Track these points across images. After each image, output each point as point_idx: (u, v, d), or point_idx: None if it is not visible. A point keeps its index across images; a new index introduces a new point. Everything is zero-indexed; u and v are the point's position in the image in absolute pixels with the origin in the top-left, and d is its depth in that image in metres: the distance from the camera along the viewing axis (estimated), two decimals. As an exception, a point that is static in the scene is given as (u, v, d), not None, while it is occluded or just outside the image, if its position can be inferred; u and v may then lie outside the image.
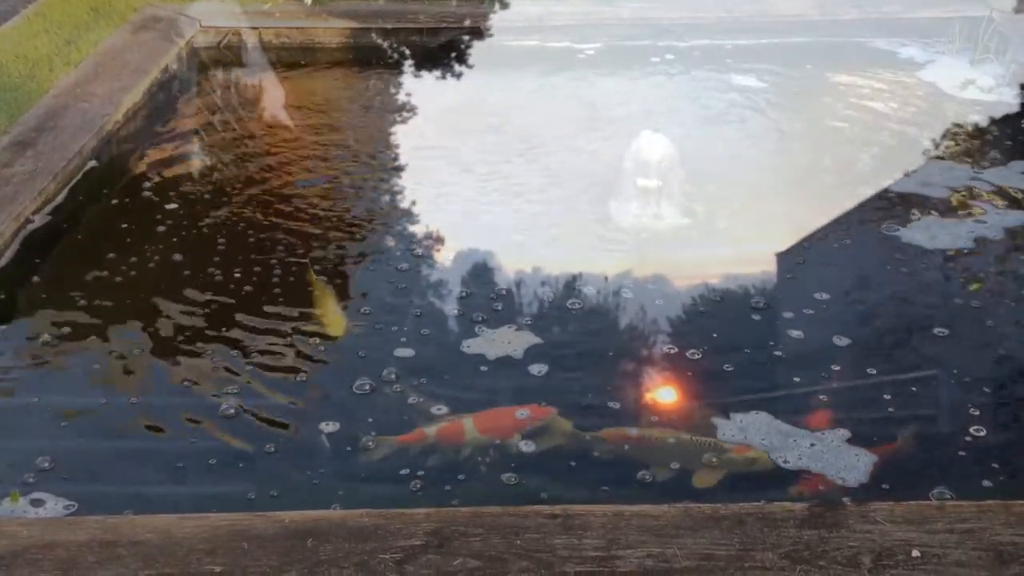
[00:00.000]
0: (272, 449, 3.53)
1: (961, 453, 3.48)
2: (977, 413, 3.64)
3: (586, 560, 2.70)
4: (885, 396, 3.75)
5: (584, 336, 4.19)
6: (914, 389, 3.80)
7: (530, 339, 4.08)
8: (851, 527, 2.80)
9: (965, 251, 4.70)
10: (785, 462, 3.44)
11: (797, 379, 3.87)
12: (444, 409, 3.70)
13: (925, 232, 4.84)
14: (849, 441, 3.51)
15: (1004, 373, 3.93)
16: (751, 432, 3.56)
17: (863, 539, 2.76)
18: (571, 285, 4.48)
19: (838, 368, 3.91)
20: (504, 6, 7.53)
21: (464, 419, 3.63)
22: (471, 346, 4.06)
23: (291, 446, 3.56)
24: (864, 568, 2.66)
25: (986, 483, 3.35)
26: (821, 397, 3.75)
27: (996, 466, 3.42)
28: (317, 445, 3.56)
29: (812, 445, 3.50)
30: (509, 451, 3.53)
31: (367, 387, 3.79)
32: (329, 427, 3.61)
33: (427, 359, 3.99)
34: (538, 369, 3.92)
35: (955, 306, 4.32)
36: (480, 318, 4.22)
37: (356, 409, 3.72)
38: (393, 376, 3.85)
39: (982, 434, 3.54)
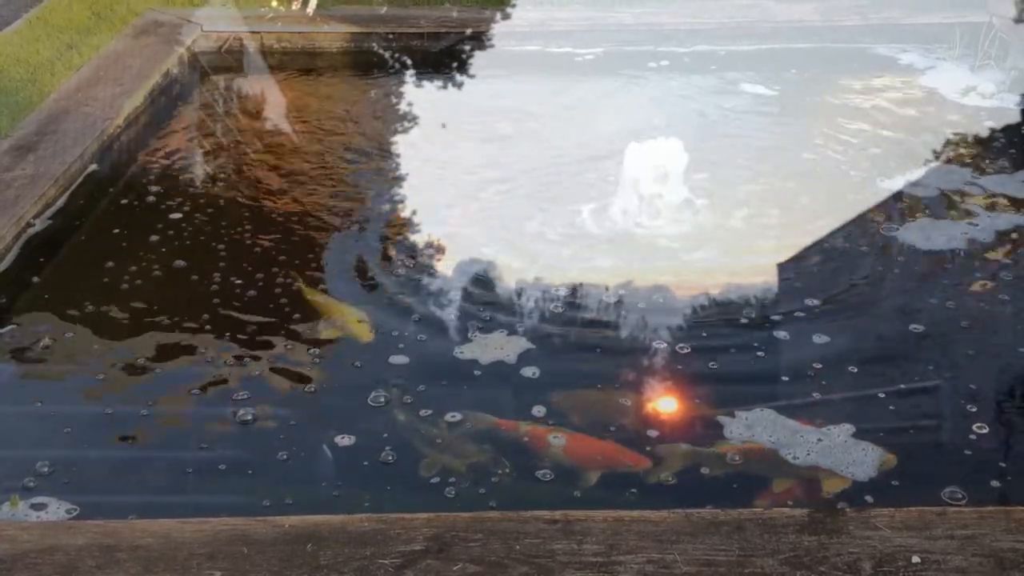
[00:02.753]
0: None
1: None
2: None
3: (586, 566, 2.70)
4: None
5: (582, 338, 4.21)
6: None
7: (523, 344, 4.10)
8: (851, 533, 2.80)
9: (962, 253, 4.72)
10: (795, 458, 3.45)
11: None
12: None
13: (921, 233, 4.86)
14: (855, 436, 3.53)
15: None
16: (757, 429, 3.57)
17: (863, 545, 2.75)
18: (572, 291, 4.48)
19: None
20: (506, 12, 7.53)
21: (555, 433, 3.58)
22: (464, 351, 4.06)
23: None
24: (864, 574, 2.66)
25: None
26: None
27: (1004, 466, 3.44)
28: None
29: (819, 440, 3.51)
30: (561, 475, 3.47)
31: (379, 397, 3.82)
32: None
33: (430, 365, 4.02)
34: (531, 371, 3.93)
35: (953, 307, 4.33)
36: (479, 325, 4.22)
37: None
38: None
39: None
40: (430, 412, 3.68)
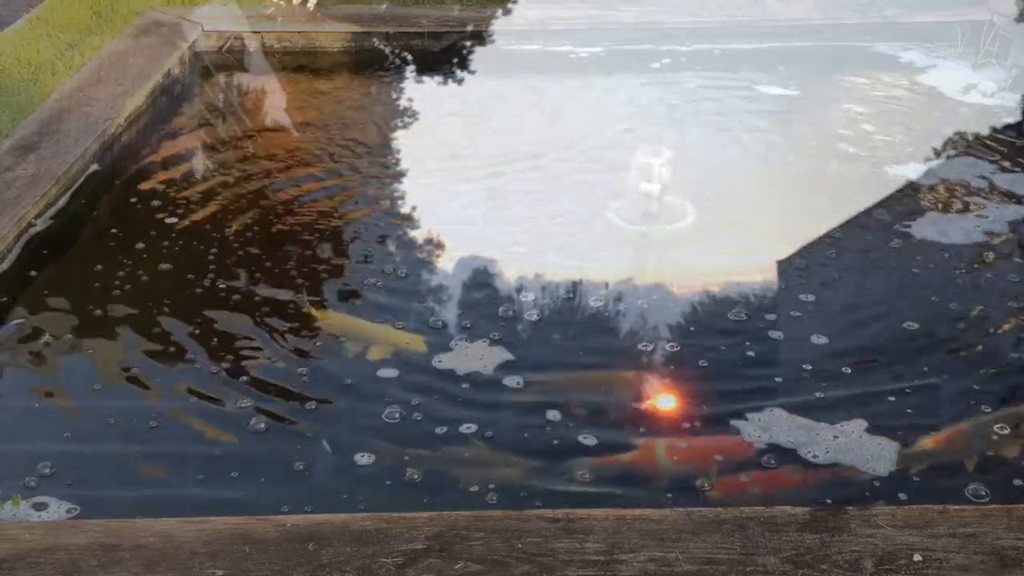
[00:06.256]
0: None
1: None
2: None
3: (588, 564, 2.70)
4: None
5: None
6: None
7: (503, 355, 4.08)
8: (853, 531, 2.80)
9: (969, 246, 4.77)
10: (814, 456, 3.47)
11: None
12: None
13: (933, 228, 4.90)
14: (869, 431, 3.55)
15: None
16: (774, 430, 3.57)
17: (865, 543, 2.76)
18: (571, 290, 4.48)
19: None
20: (506, 10, 7.54)
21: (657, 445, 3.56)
22: (458, 346, 4.08)
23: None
24: (866, 572, 2.66)
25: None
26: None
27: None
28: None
29: (835, 437, 3.52)
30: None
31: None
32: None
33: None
34: (514, 382, 3.90)
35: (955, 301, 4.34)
36: (480, 321, 4.23)
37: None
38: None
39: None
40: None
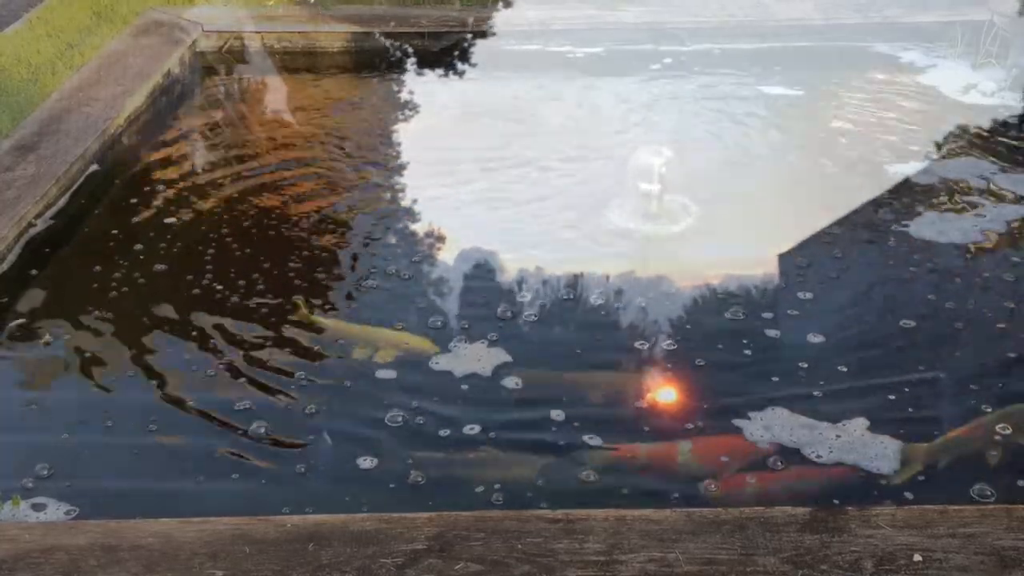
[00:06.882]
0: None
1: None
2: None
3: (588, 564, 2.70)
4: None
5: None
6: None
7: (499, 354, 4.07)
8: (853, 531, 2.80)
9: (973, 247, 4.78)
10: (818, 456, 3.47)
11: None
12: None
13: (931, 228, 4.90)
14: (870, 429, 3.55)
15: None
16: (776, 429, 3.56)
17: (865, 544, 2.76)
18: (571, 289, 4.48)
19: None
20: (506, 10, 7.53)
21: (680, 443, 3.55)
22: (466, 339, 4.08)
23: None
24: (866, 573, 2.66)
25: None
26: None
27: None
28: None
29: (838, 436, 3.52)
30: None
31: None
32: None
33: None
34: (512, 382, 3.90)
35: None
36: (479, 321, 4.23)
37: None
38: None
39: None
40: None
